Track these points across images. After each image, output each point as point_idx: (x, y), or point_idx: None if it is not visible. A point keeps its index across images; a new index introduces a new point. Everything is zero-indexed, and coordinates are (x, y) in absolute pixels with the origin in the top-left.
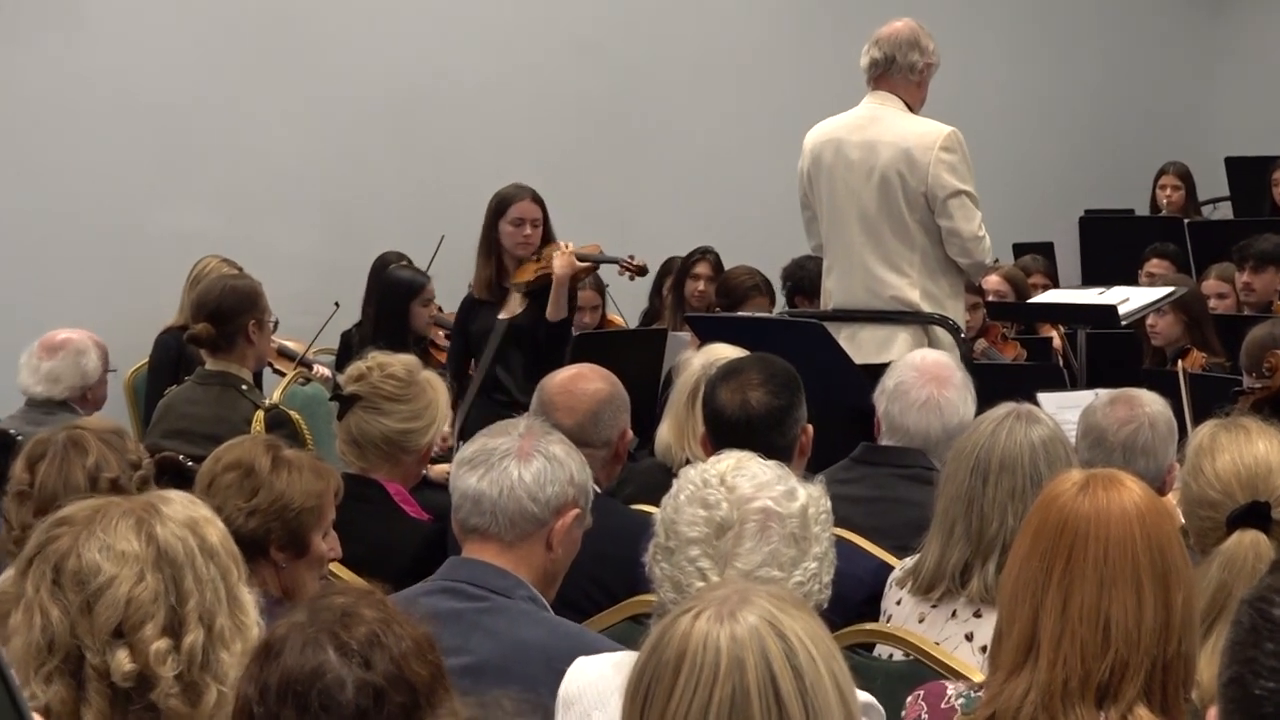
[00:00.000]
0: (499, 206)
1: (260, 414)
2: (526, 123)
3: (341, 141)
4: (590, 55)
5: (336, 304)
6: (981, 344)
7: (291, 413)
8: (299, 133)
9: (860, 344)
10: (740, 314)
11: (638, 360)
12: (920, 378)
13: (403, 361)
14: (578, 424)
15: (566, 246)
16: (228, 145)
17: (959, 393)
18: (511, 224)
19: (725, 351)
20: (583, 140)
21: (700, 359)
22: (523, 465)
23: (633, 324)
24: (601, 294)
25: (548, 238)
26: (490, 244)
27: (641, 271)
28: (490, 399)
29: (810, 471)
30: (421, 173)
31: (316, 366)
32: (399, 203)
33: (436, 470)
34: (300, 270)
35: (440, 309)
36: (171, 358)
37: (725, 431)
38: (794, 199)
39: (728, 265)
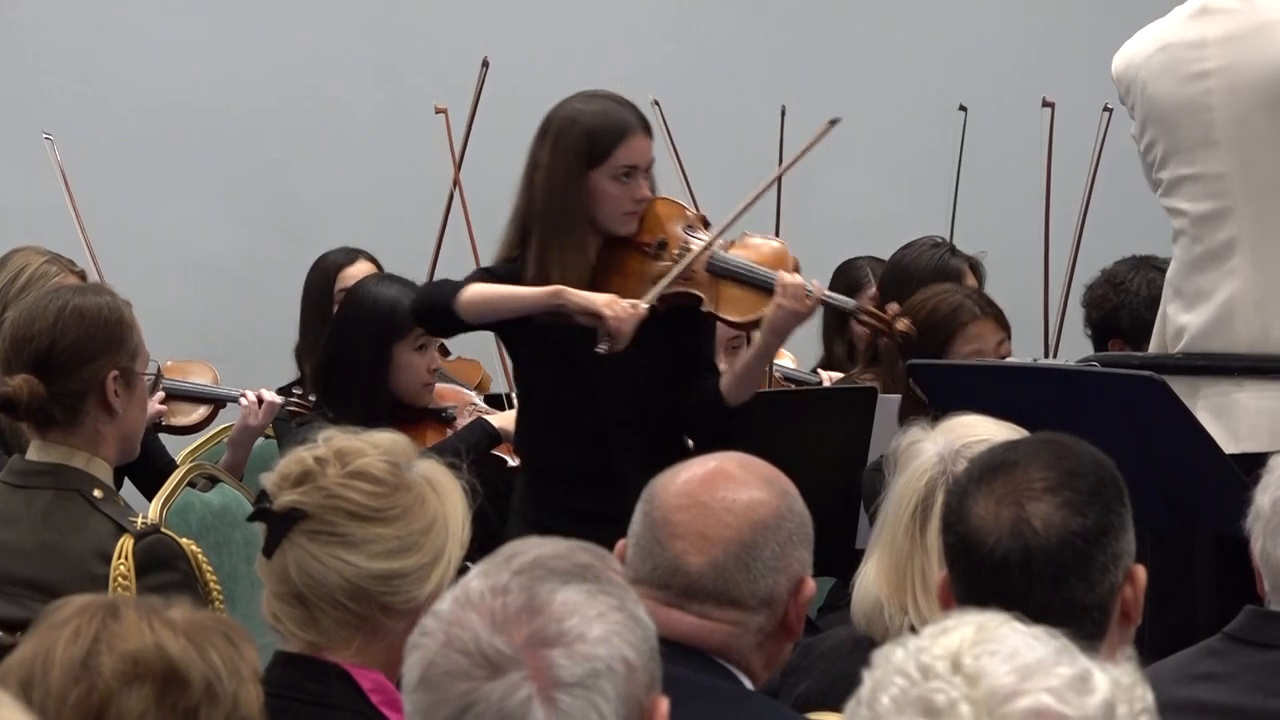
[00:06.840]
0: (594, 146)
1: (127, 542)
2: None
3: (273, 36)
4: None
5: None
6: None
7: (182, 541)
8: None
9: (1237, 417)
10: (1009, 361)
11: (823, 445)
12: None
13: (383, 446)
14: (713, 565)
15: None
16: (63, 37)
17: None
18: (615, 178)
19: (981, 429)
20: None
21: (937, 443)
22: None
23: (805, 376)
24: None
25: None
26: (574, 213)
27: (907, 341)
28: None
29: (1148, 653)
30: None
31: (251, 395)
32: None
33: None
34: (197, 273)
35: (447, 354)
36: None
37: (986, 576)
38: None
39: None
